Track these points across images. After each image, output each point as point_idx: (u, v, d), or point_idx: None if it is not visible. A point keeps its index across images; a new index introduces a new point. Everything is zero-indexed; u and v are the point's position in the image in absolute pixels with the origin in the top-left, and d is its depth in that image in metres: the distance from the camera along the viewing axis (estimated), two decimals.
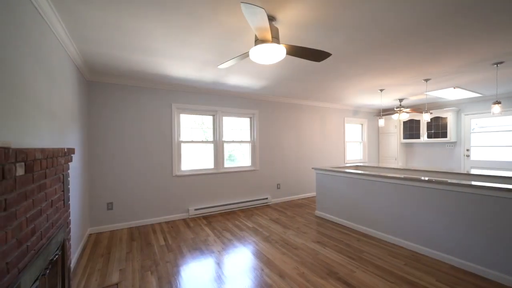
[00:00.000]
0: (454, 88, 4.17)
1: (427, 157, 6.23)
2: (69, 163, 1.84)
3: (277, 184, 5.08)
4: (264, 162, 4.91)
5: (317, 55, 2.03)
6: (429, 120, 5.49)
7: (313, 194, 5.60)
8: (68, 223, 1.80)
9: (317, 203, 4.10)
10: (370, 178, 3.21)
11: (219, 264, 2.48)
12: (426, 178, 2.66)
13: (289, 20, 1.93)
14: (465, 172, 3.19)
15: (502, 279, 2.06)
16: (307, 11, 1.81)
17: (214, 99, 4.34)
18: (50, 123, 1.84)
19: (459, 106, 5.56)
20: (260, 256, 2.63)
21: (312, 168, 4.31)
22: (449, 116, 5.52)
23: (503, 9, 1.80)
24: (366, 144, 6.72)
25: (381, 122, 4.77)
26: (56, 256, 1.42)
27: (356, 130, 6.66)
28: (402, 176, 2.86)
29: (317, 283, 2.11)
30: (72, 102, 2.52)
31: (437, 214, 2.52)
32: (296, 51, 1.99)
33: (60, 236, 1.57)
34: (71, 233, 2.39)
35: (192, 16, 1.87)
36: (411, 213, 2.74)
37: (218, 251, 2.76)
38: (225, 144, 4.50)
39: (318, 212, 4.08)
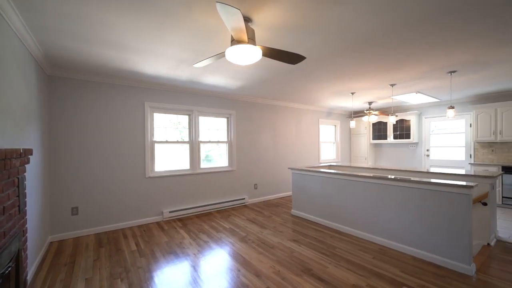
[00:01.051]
0: (416, 93, 4.55)
1: (394, 156, 6.70)
2: (25, 165, 1.68)
3: (254, 184, 5.10)
4: (241, 162, 4.91)
5: (292, 58, 2.08)
6: (395, 122, 5.94)
7: (290, 193, 5.72)
8: (24, 232, 1.64)
9: (293, 202, 4.20)
10: (342, 177, 3.36)
11: (194, 267, 2.42)
12: (392, 177, 2.86)
13: (265, 22, 1.96)
14: (426, 171, 3.49)
15: (456, 266, 2.29)
16: (282, 13, 1.84)
17: (190, 98, 4.24)
18: (2, 121, 1.66)
19: (421, 110, 6.07)
20: (236, 256, 2.63)
21: (288, 168, 4.41)
22: (412, 119, 6.00)
23: (455, 24, 2.00)
24: (339, 144, 7.04)
25: (353, 123, 5.04)
26: (9, 269, 1.29)
27: (330, 131, 6.95)
28: (371, 175, 3.04)
29: (292, 280, 2.16)
30: (29, 98, 2.29)
31: (401, 210, 2.72)
32: (271, 53, 2.02)
33: (14, 246, 1.42)
34: (28, 242, 2.17)
35: (167, 13, 1.81)
36: (379, 209, 2.93)
37: (194, 254, 2.70)
38: (201, 145, 4.42)
39: (294, 211, 4.17)
